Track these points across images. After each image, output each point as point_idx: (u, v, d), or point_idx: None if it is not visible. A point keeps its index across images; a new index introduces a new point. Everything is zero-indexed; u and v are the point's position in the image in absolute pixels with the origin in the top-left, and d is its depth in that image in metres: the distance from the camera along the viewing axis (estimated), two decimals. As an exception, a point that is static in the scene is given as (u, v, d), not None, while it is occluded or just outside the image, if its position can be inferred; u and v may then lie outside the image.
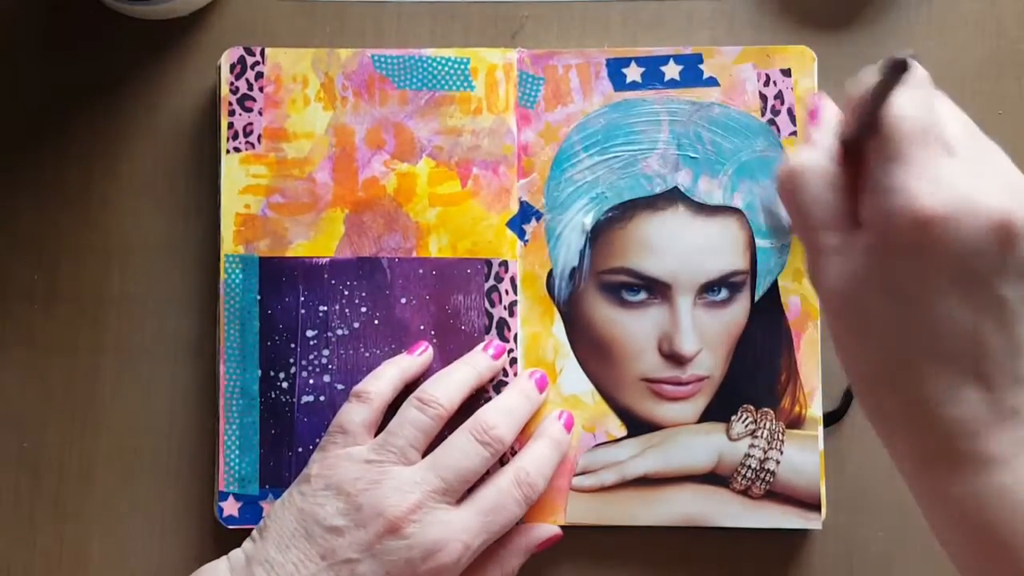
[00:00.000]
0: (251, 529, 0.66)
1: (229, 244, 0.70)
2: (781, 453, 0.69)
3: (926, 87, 0.53)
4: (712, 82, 0.70)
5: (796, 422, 0.69)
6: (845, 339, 0.54)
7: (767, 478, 0.69)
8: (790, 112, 0.70)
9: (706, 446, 0.69)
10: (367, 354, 0.70)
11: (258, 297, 0.70)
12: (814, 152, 0.55)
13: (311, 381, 0.70)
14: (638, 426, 0.70)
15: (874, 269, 0.51)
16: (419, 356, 0.69)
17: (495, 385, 0.70)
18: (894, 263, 0.50)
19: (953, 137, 0.51)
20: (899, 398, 0.51)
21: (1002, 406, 0.49)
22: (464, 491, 0.64)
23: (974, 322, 0.49)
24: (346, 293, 0.70)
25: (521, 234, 0.70)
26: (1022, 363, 0.50)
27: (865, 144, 0.53)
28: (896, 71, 0.52)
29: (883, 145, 0.51)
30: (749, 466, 0.69)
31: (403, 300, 0.70)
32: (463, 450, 0.64)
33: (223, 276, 0.70)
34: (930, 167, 0.50)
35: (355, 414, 0.65)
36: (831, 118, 0.57)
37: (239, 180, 0.70)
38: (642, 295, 0.70)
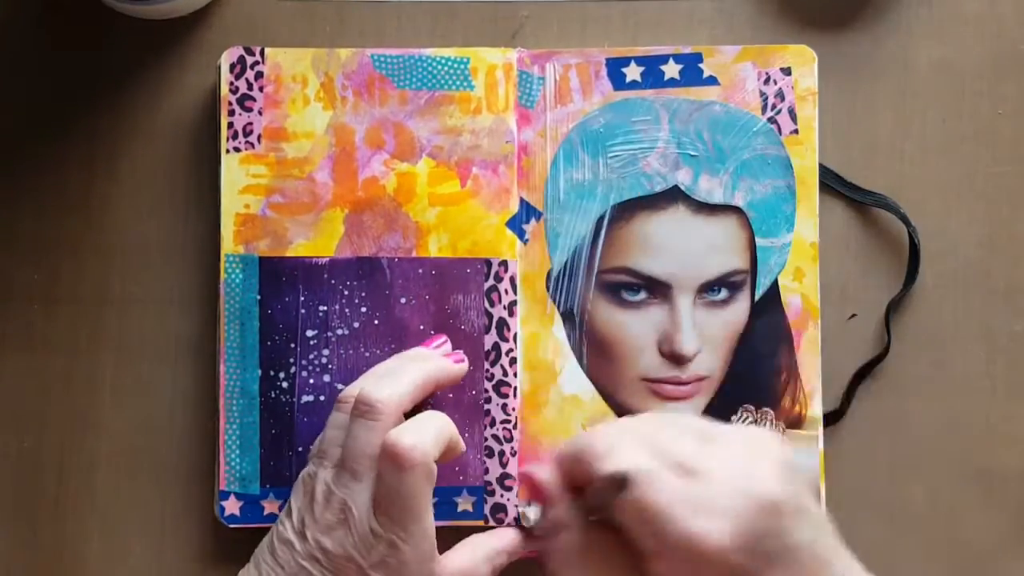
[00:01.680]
0: (251, 528, 0.66)
1: (229, 244, 0.70)
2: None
3: (636, 443, 0.58)
4: (712, 81, 0.70)
5: (796, 422, 0.69)
6: None
7: (767, 478, 0.69)
8: (790, 111, 0.70)
9: (706, 446, 0.69)
10: (367, 354, 0.70)
11: (258, 297, 0.70)
12: (570, 536, 0.60)
13: (311, 381, 0.70)
14: (638, 426, 0.70)
15: None
16: (454, 363, 0.69)
17: (495, 385, 0.70)
18: None
19: (687, 458, 0.56)
20: None
21: None
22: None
23: None
24: (346, 293, 0.70)
25: (521, 234, 0.70)
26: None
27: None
28: (615, 487, 0.56)
29: (636, 517, 0.56)
30: (749, 466, 0.69)
31: (403, 300, 0.70)
32: (353, 435, 0.63)
33: (223, 276, 0.70)
34: (685, 503, 0.55)
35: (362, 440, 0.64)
36: (556, 492, 0.61)
37: (239, 180, 0.70)
38: (642, 295, 0.70)
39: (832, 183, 0.71)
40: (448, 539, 0.65)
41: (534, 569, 0.70)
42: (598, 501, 0.58)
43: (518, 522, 0.69)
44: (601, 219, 0.70)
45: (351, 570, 0.61)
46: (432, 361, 0.68)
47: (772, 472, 0.56)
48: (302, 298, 0.70)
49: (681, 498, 0.55)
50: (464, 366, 0.69)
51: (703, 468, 0.56)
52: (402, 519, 0.61)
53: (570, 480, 0.60)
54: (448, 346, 0.69)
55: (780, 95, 0.70)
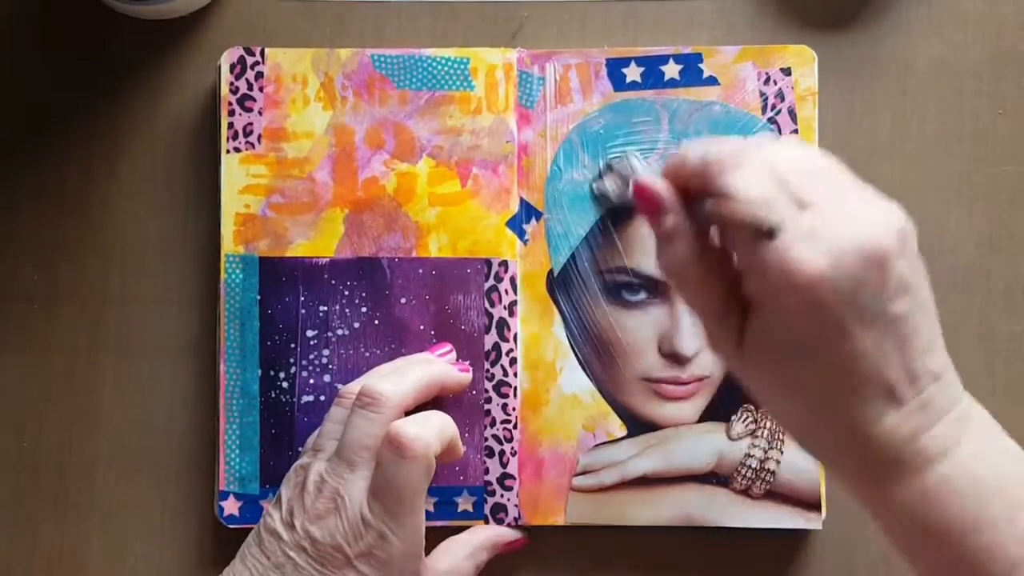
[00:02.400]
0: (251, 528, 0.66)
1: (229, 244, 0.70)
2: (781, 453, 0.69)
3: (758, 156, 0.53)
4: (712, 81, 0.70)
5: (796, 422, 0.69)
6: (768, 397, 0.55)
7: (767, 478, 0.69)
8: (790, 111, 0.70)
9: (706, 446, 0.69)
10: (367, 354, 0.70)
11: (258, 297, 0.70)
12: (678, 246, 0.54)
13: (311, 381, 0.70)
14: (638, 426, 0.70)
15: (776, 337, 0.52)
16: (459, 371, 0.69)
17: (495, 385, 0.70)
18: (792, 326, 0.51)
19: (801, 189, 0.52)
20: (831, 432, 0.53)
21: (929, 407, 0.52)
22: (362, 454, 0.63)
23: (879, 347, 0.51)
24: (346, 293, 0.70)
25: (521, 234, 0.70)
26: (932, 357, 0.52)
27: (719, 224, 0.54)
28: (758, 235, 0.52)
29: (738, 229, 0.52)
30: (749, 466, 0.69)
31: (403, 300, 0.70)
32: (353, 425, 0.63)
33: (223, 276, 0.70)
34: (791, 230, 0.51)
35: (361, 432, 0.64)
36: (670, 201, 0.55)
37: (239, 180, 0.70)
38: (642, 295, 0.70)
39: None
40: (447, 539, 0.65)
41: (534, 569, 0.70)
42: (719, 223, 0.53)
43: (518, 522, 0.69)
44: (601, 219, 0.70)
45: (338, 560, 0.61)
46: (437, 364, 0.68)
47: (891, 231, 0.51)
48: (302, 298, 0.70)
49: (793, 227, 0.50)
50: (468, 376, 0.69)
51: (818, 200, 0.51)
52: (396, 510, 0.61)
53: (685, 188, 0.54)
54: (453, 355, 0.70)
55: (780, 95, 0.70)
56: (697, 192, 0.53)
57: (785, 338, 0.52)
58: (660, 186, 0.54)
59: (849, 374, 0.51)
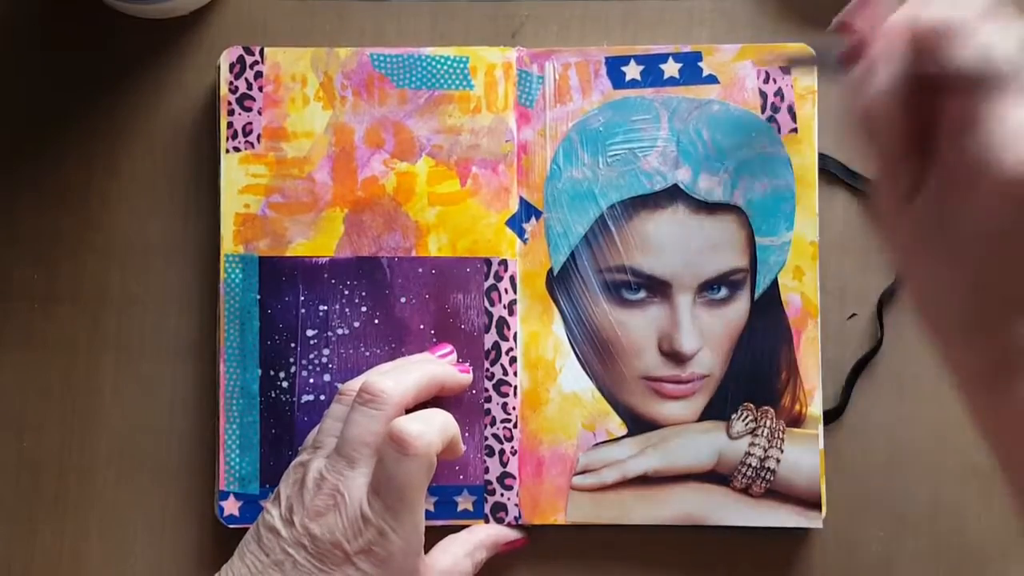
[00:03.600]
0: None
1: (229, 244, 0.70)
2: (781, 451, 0.69)
3: (1007, 31, 0.49)
4: (711, 80, 0.70)
5: (796, 420, 0.69)
6: (910, 266, 0.52)
7: (767, 476, 0.69)
8: (790, 109, 0.70)
9: (706, 445, 0.69)
10: (367, 353, 0.70)
11: (258, 297, 0.70)
12: (885, 80, 0.50)
13: (311, 380, 0.70)
14: (638, 425, 0.70)
15: (955, 216, 0.49)
16: (460, 372, 0.69)
17: (495, 384, 0.70)
18: (979, 215, 0.48)
19: None
20: (970, 327, 0.50)
21: None
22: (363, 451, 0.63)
23: None
24: (346, 292, 0.70)
25: (521, 233, 0.70)
26: None
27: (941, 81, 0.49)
28: (975, 86, 0.48)
29: (968, 90, 0.48)
30: (749, 464, 0.69)
31: (403, 299, 0.70)
32: (353, 422, 0.63)
33: (223, 276, 0.70)
34: (1017, 120, 0.47)
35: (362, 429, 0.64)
36: (890, 43, 0.51)
37: (239, 180, 0.70)
38: (642, 293, 0.70)
39: (835, 171, 0.71)
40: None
41: (535, 569, 0.70)
42: (939, 78, 0.49)
43: (518, 521, 0.69)
44: (601, 218, 0.70)
45: (337, 556, 0.61)
46: (438, 364, 0.68)
47: None
48: (302, 298, 0.70)
49: (1016, 115, 0.46)
50: (468, 377, 0.69)
51: None
52: (396, 507, 0.61)
53: (914, 39, 0.50)
54: (454, 356, 0.70)
55: (779, 94, 0.70)
56: (926, 48, 0.49)
57: (964, 223, 0.48)
58: (877, 18, 0.52)
59: (1018, 281, 0.48)
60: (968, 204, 0.48)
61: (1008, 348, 0.49)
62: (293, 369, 0.70)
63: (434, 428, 0.63)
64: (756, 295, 0.70)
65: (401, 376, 0.65)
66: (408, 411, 0.64)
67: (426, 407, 0.66)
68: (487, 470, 0.69)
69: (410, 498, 0.61)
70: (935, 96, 0.49)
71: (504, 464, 0.69)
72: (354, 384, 0.65)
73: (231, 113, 0.70)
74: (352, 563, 0.61)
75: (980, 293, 0.49)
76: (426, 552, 0.65)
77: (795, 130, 0.70)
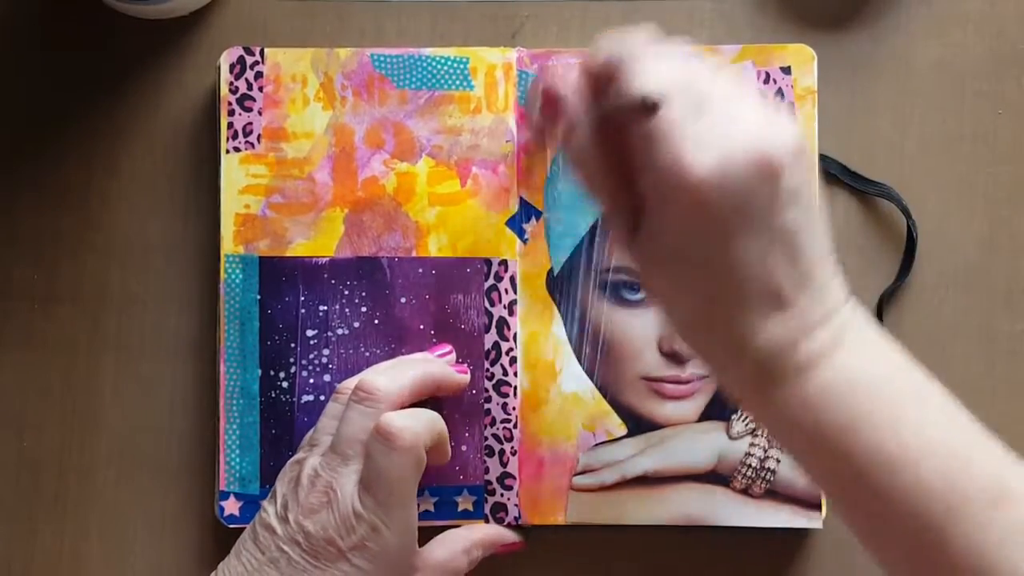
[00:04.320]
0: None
1: (229, 244, 0.70)
2: (781, 452, 0.69)
3: (668, 56, 0.54)
4: (711, 80, 0.70)
5: (796, 421, 0.69)
6: (657, 295, 0.56)
7: (768, 477, 0.69)
8: (790, 109, 0.70)
9: (706, 445, 0.69)
10: (367, 354, 0.70)
11: (258, 297, 0.70)
12: (577, 136, 0.56)
13: (311, 381, 0.70)
14: (638, 425, 0.70)
15: (666, 236, 0.53)
16: (457, 372, 0.69)
17: (495, 385, 0.70)
18: (681, 228, 0.52)
19: (700, 94, 0.52)
20: (717, 337, 0.54)
21: (809, 316, 0.53)
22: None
23: (764, 257, 0.52)
24: (346, 293, 0.70)
25: (521, 233, 0.70)
26: (816, 269, 0.53)
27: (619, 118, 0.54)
28: (643, 109, 0.52)
29: (643, 115, 0.52)
30: (750, 465, 0.69)
31: (403, 300, 0.70)
32: (347, 419, 0.64)
33: (223, 276, 0.70)
34: (687, 132, 0.51)
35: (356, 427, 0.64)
36: (571, 88, 0.57)
37: (239, 180, 0.70)
38: (642, 294, 0.70)
39: (835, 172, 0.71)
40: (448, 538, 0.65)
41: (535, 568, 0.70)
42: (615, 111, 0.54)
43: (518, 521, 0.69)
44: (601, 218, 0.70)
45: (331, 553, 0.61)
46: (435, 363, 0.68)
47: (786, 143, 0.52)
48: (302, 298, 0.70)
49: (692, 117, 0.51)
50: (466, 377, 0.69)
51: (716, 107, 0.52)
52: (387, 502, 0.61)
53: (593, 80, 0.56)
54: (452, 356, 0.70)
55: (780, 94, 0.70)
56: (605, 87, 0.54)
57: (674, 238, 0.53)
58: (560, 78, 0.57)
59: (734, 281, 0.52)
60: (671, 218, 0.52)
61: (747, 349, 0.53)
62: (293, 369, 0.70)
63: (421, 423, 0.63)
64: (756, 295, 0.70)
65: (396, 375, 0.65)
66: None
67: (424, 407, 0.66)
68: (487, 470, 0.69)
69: (400, 492, 0.62)
70: (625, 130, 0.53)
71: (504, 464, 0.69)
72: (350, 383, 0.65)
73: (231, 113, 0.70)
74: (346, 559, 0.61)
75: (707, 300, 0.53)
76: (422, 546, 0.65)
77: (795, 130, 0.70)
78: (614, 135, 0.54)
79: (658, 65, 0.53)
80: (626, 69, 0.53)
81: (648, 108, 0.52)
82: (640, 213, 0.54)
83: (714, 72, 0.54)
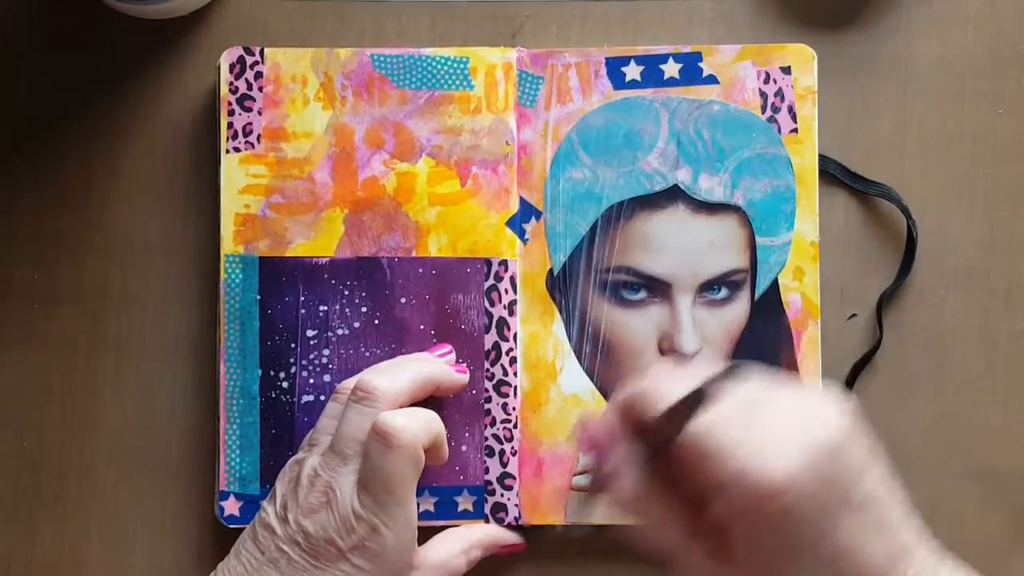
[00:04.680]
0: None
1: (229, 244, 0.70)
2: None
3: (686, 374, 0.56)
4: (712, 80, 0.70)
5: (796, 421, 0.69)
6: None
7: (767, 477, 0.69)
8: (790, 109, 0.70)
9: (706, 445, 0.69)
10: (367, 354, 0.70)
11: (258, 297, 0.70)
12: (626, 483, 0.57)
13: (311, 381, 0.70)
14: (638, 425, 0.70)
15: (759, 551, 0.53)
16: (456, 372, 0.69)
17: (496, 385, 0.70)
18: (771, 537, 0.53)
19: (748, 392, 0.54)
20: None
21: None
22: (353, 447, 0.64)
23: (856, 533, 0.53)
24: (346, 293, 0.70)
25: (521, 233, 0.70)
26: (904, 532, 0.54)
27: (670, 451, 0.55)
28: (690, 408, 0.54)
29: (696, 453, 0.53)
30: (749, 465, 0.69)
31: (403, 300, 0.70)
32: (346, 419, 0.64)
33: (223, 276, 0.70)
34: (742, 439, 0.52)
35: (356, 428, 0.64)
36: (612, 443, 0.58)
37: (239, 180, 0.70)
38: (642, 294, 0.70)
39: (835, 172, 0.71)
40: (448, 538, 0.65)
41: (535, 568, 0.70)
42: (663, 434, 0.55)
43: (518, 522, 0.69)
44: (601, 218, 0.70)
45: (331, 554, 0.61)
46: (434, 363, 0.68)
47: (838, 422, 0.53)
48: (302, 298, 0.70)
49: (744, 430, 0.53)
50: (465, 377, 0.69)
51: (765, 402, 0.54)
52: (385, 502, 0.61)
53: (627, 425, 0.57)
54: (452, 356, 0.70)
55: (780, 94, 0.70)
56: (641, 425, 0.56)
57: (768, 549, 0.53)
58: (600, 425, 0.58)
59: (840, 566, 0.53)
60: (756, 534, 0.53)
61: None
62: (293, 369, 0.70)
63: (418, 422, 0.63)
64: (756, 295, 0.70)
65: (395, 374, 0.65)
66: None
67: (424, 407, 0.66)
68: (487, 470, 0.69)
69: (398, 491, 0.62)
70: (678, 461, 0.54)
71: (504, 464, 0.69)
72: (350, 383, 0.65)
73: (231, 113, 0.70)
74: (346, 559, 0.61)
75: None
76: (421, 543, 0.65)
77: (795, 130, 0.70)
78: (666, 472, 0.55)
79: (675, 386, 0.55)
80: (652, 397, 0.55)
81: (697, 403, 0.53)
82: (716, 552, 0.54)
83: (739, 379, 0.55)
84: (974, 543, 0.70)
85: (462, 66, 0.71)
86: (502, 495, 0.69)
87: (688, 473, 0.54)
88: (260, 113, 0.71)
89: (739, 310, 0.70)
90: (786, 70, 0.71)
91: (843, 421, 0.54)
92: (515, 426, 0.70)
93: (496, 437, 0.69)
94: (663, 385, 0.56)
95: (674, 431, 0.54)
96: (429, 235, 0.70)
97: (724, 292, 0.70)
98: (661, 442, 0.55)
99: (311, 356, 0.70)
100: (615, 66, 0.71)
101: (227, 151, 0.70)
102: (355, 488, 0.62)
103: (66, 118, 0.72)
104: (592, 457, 0.60)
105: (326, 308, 0.70)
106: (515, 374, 0.70)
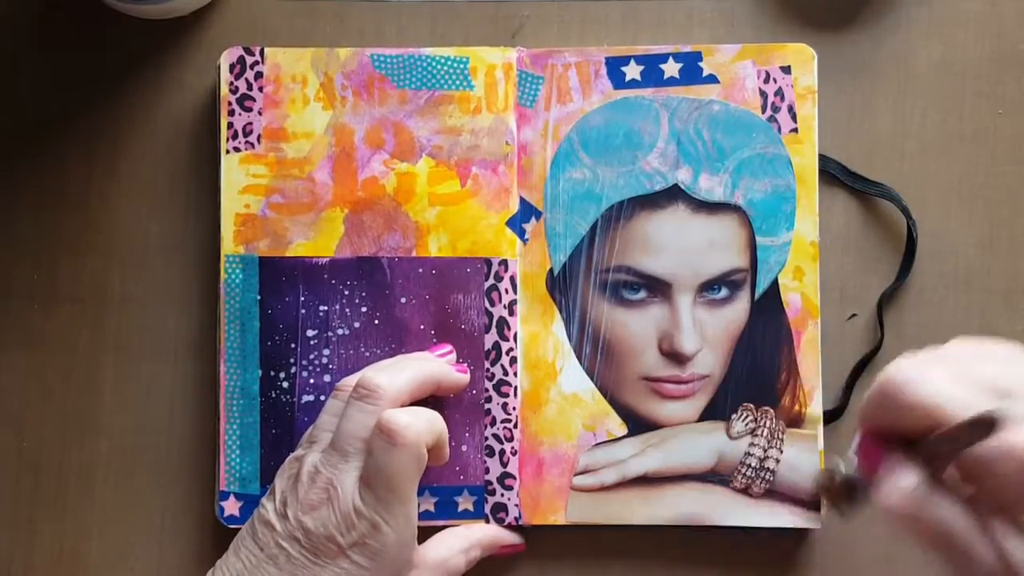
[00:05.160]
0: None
1: (229, 244, 0.70)
2: (781, 452, 0.69)
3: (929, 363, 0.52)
4: (712, 80, 0.70)
5: (796, 421, 0.69)
6: None
7: (767, 477, 0.69)
8: (790, 109, 0.70)
9: (706, 445, 0.69)
10: (367, 354, 0.70)
11: (258, 297, 0.70)
12: (938, 504, 0.52)
13: (311, 381, 0.70)
14: (639, 425, 0.70)
15: None
16: (457, 371, 0.69)
17: (496, 385, 0.70)
18: None
19: (994, 378, 0.51)
20: None
21: None
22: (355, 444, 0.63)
23: None
24: (346, 293, 0.70)
25: (521, 233, 0.70)
26: None
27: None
28: (979, 432, 0.50)
29: (957, 437, 0.50)
30: (749, 465, 0.69)
31: (403, 300, 0.70)
32: (348, 416, 0.64)
33: (223, 276, 0.70)
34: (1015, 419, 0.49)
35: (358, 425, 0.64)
36: (898, 461, 0.53)
37: (239, 180, 0.70)
38: (642, 293, 0.70)
39: (835, 172, 0.71)
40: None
41: (535, 568, 0.70)
42: (946, 449, 0.51)
43: (518, 522, 0.69)
44: (601, 218, 0.70)
45: (331, 550, 0.61)
46: (435, 362, 0.68)
47: None
48: (302, 298, 0.70)
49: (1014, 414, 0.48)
50: (466, 377, 0.69)
51: (1017, 384, 0.50)
52: (387, 499, 0.61)
53: (890, 436, 0.53)
54: (453, 356, 0.70)
55: (780, 94, 0.70)
56: (896, 432, 0.52)
57: None
58: (870, 433, 0.54)
59: None
60: None
61: None
62: (293, 369, 0.70)
63: (422, 421, 0.63)
64: (756, 295, 0.70)
65: (397, 372, 0.65)
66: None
67: (424, 407, 0.66)
68: (487, 470, 0.69)
69: (401, 489, 0.62)
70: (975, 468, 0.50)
71: (504, 464, 0.69)
72: (350, 380, 0.66)
73: (231, 113, 0.70)
74: (346, 556, 0.61)
75: None
76: (421, 543, 0.65)
77: (795, 130, 0.70)
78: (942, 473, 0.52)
79: (935, 376, 0.51)
80: (910, 399, 0.51)
81: (987, 425, 0.49)
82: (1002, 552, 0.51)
83: (976, 349, 0.53)
84: (974, 543, 0.70)
85: (462, 66, 0.71)
86: (502, 495, 0.69)
87: (987, 477, 0.50)
88: (260, 113, 0.71)
89: (739, 310, 0.70)
90: (786, 70, 0.71)
91: None
92: (515, 426, 0.70)
93: (496, 437, 0.69)
94: (922, 391, 0.51)
95: (971, 442, 0.50)
96: (429, 235, 0.70)
97: (724, 292, 0.70)
98: (947, 454, 0.51)
99: (311, 356, 0.70)
100: (615, 66, 0.71)
101: (227, 151, 0.70)
102: (357, 485, 0.62)
103: (66, 118, 0.73)
104: (860, 466, 0.55)
105: (326, 308, 0.70)
106: (515, 374, 0.70)
